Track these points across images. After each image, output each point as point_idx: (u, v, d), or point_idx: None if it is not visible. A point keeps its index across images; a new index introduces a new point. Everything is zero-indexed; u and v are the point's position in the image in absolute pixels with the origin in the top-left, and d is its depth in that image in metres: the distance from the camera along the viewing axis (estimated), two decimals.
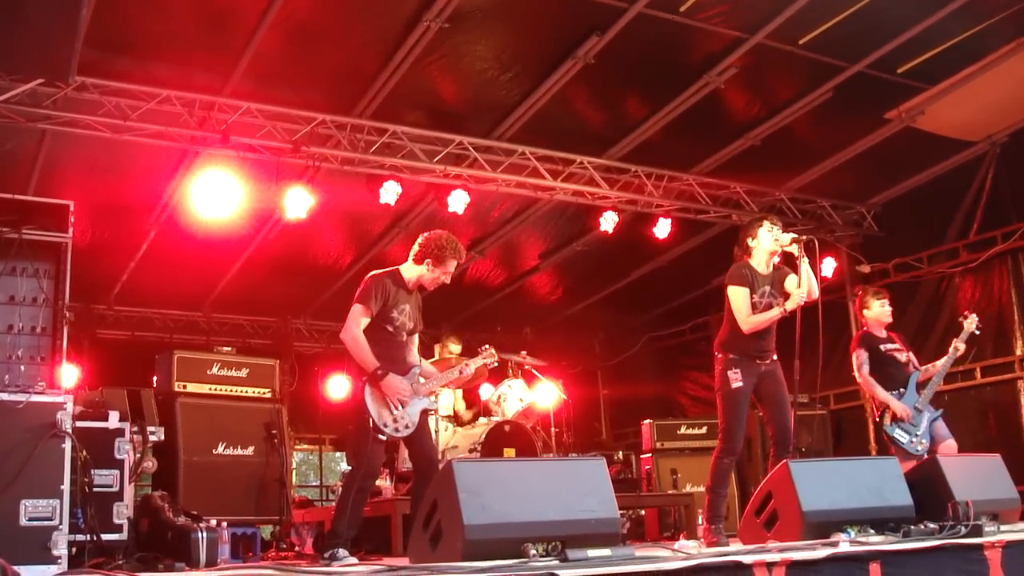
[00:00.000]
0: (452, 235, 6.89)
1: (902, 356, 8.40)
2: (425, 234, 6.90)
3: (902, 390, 8.24)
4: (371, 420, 6.42)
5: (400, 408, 6.51)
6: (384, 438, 6.49)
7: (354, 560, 6.26)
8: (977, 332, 8.48)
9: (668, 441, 11.68)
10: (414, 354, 6.96)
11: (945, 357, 8.31)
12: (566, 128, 10.58)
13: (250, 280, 13.12)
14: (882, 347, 8.39)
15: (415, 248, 6.84)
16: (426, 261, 6.76)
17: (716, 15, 8.77)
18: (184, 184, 10.29)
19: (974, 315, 8.44)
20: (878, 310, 8.50)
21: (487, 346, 7.59)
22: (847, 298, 12.78)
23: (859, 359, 8.40)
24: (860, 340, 8.51)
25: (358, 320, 6.57)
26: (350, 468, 6.86)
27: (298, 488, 16.52)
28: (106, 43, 8.28)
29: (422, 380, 6.80)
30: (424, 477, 6.48)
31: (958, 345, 8.28)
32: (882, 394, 8.21)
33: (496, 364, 7.82)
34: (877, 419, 8.39)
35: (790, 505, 5.87)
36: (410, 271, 6.84)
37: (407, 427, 6.58)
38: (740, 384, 6.98)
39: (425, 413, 6.80)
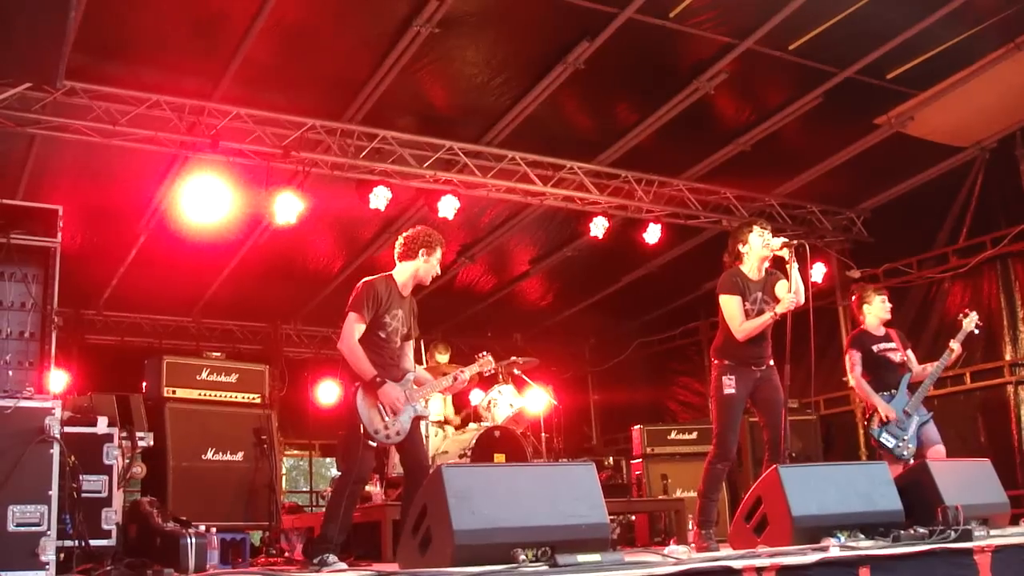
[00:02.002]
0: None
1: (896, 356, 8.35)
2: (405, 233, 6.90)
3: (893, 392, 8.22)
4: (362, 426, 6.38)
5: (392, 415, 6.49)
6: (375, 444, 6.47)
7: (343, 566, 6.23)
8: (976, 331, 8.42)
9: (658, 446, 11.67)
10: (408, 360, 6.93)
11: (939, 360, 8.24)
12: (556, 133, 10.58)
13: (240, 285, 13.10)
14: (875, 347, 8.35)
15: (400, 248, 6.82)
16: (420, 251, 6.74)
17: (706, 21, 8.78)
18: (174, 189, 10.27)
19: (974, 313, 8.36)
20: (879, 306, 8.45)
21: (484, 353, 7.57)
22: (837, 303, 12.82)
23: (852, 359, 8.39)
24: (854, 340, 8.50)
25: (353, 329, 6.51)
26: (340, 473, 6.84)
27: (288, 494, 16.55)
28: (95, 47, 8.26)
29: (415, 387, 6.76)
30: (415, 483, 6.46)
31: (952, 346, 8.21)
32: (871, 396, 8.21)
33: (492, 371, 7.81)
34: (866, 422, 8.39)
35: (780, 510, 5.87)
36: (402, 272, 6.80)
37: (398, 434, 6.54)
38: (733, 391, 6.99)
39: (417, 419, 6.76)
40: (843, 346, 12.56)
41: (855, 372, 8.35)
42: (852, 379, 8.43)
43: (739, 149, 10.94)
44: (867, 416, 8.35)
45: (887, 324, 8.55)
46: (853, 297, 8.80)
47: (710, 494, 7.09)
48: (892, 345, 8.40)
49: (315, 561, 6.28)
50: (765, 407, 7.07)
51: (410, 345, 6.96)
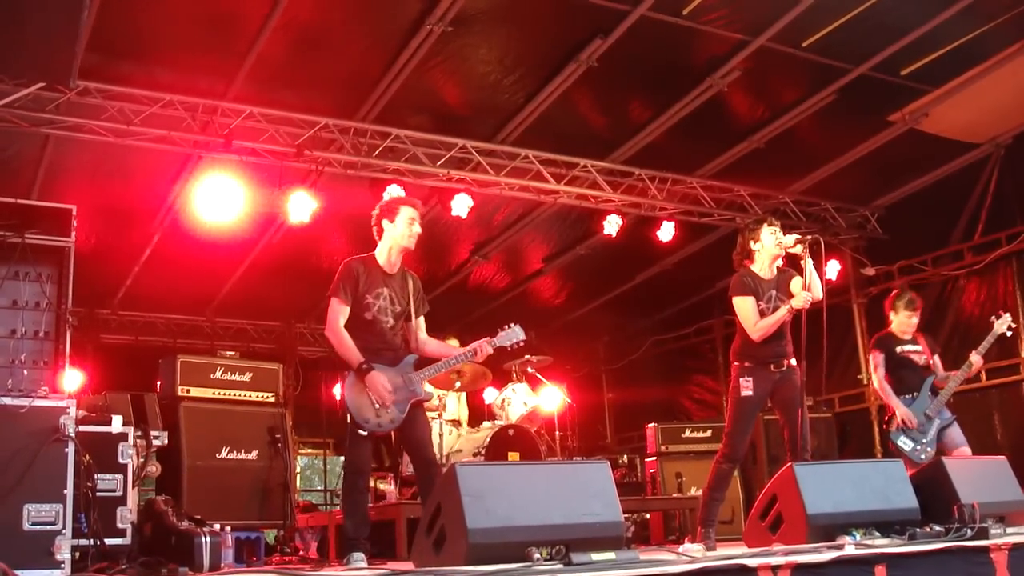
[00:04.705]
0: None
1: (920, 359, 8.31)
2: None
3: (915, 395, 8.18)
4: (349, 416, 6.26)
5: (381, 405, 6.27)
6: (365, 433, 6.28)
7: (363, 564, 6.17)
8: (1009, 333, 8.34)
9: (673, 444, 11.64)
10: (418, 339, 6.67)
11: (960, 369, 8.17)
12: (569, 131, 10.57)
13: (254, 284, 13.12)
14: (899, 349, 8.31)
15: (373, 229, 6.63)
16: (383, 223, 6.53)
17: (719, 18, 8.77)
18: (187, 188, 10.29)
19: (1007, 315, 8.26)
20: (903, 321, 8.41)
21: (511, 325, 6.87)
22: (851, 301, 12.78)
23: (875, 360, 8.37)
24: (878, 341, 8.46)
25: (335, 312, 6.34)
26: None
27: (302, 492, 16.53)
28: (109, 47, 8.29)
29: (414, 371, 6.50)
30: (423, 477, 6.39)
31: (973, 359, 8.14)
32: (892, 399, 8.17)
33: (523, 341, 6.96)
34: (885, 424, 8.34)
35: (795, 508, 5.85)
36: (381, 248, 6.57)
37: (391, 421, 6.33)
38: (750, 393, 6.95)
39: (416, 404, 6.48)
40: (857, 343, 12.64)
41: (878, 373, 8.31)
42: (875, 380, 8.39)
43: (753, 146, 10.92)
44: (886, 419, 8.31)
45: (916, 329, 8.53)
46: (892, 293, 8.74)
47: (714, 492, 7.07)
48: (917, 348, 8.35)
49: (344, 560, 6.27)
50: (783, 407, 7.02)
51: (419, 323, 6.70)
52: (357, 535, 6.32)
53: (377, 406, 6.28)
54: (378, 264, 6.57)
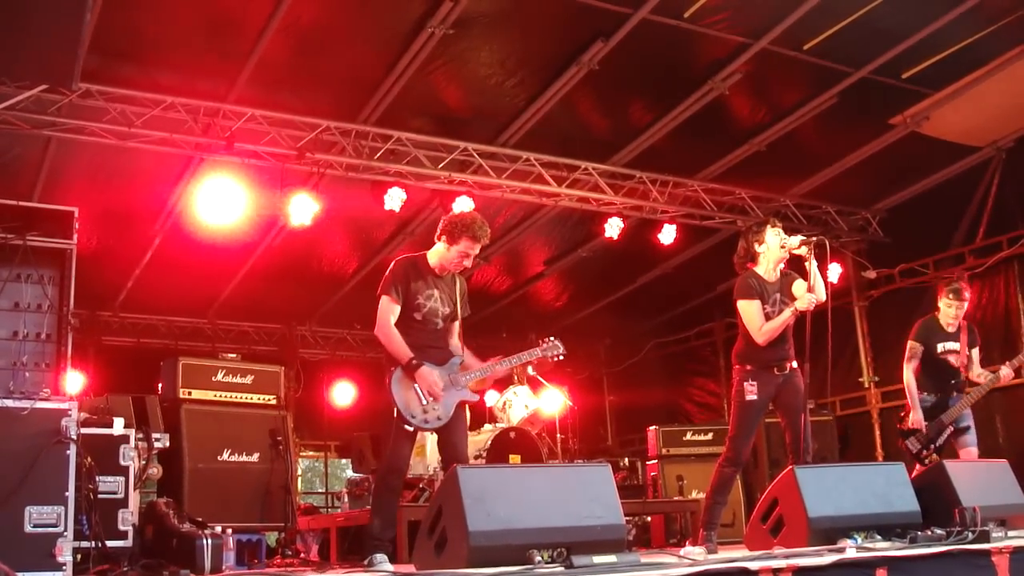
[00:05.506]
0: (478, 216, 6.61)
1: (955, 360, 8.21)
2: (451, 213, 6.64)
3: (937, 396, 8.14)
4: (396, 410, 6.16)
5: (430, 399, 6.23)
6: (411, 429, 6.24)
7: (389, 567, 6.07)
8: None
9: (674, 447, 11.64)
10: (455, 343, 6.64)
11: (991, 376, 8.11)
12: (571, 134, 10.57)
13: (255, 287, 13.13)
14: (939, 347, 8.21)
15: (438, 228, 6.58)
16: (441, 238, 6.48)
17: (720, 20, 8.76)
18: (189, 191, 10.29)
19: None
20: (946, 311, 8.26)
21: (551, 338, 7.07)
22: (853, 304, 12.77)
23: (911, 350, 8.25)
24: (920, 330, 8.33)
25: (386, 311, 6.30)
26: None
27: (303, 495, 16.59)
28: (111, 49, 8.29)
29: (461, 371, 6.48)
30: None
31: (1003, 371, 8.07)
32: (913, 398, 8.12)
33: (563, 355, 7.07)
34: (899, 422, 8.28)
35: (796, 511, 5.84)
36: (433, 253, 6.55)
37: (438, 419, 6.28)
38: (755, 397, 6.89)
39: (462, 405, 6.47)
40: (859, 347, 12.63)
41: (910, 364, 8.20)
42: (905, 371, 8.26)
43: (754, 149, 10.91)
44: (901, 415, 8.26)
45: (964, 317, 8.41)
46: (939, 287, 8.59)
47: (717, 496, 7.01)
48: (956, 347, 8.23)
49: (365, 561, 6.20)
50: (786, 411, 6.96)
51: (456, 326, 6.66)
52: (383, 535, 6.25)
53: (425, 402, 6.24)
54: (429, 265, 6.54)
